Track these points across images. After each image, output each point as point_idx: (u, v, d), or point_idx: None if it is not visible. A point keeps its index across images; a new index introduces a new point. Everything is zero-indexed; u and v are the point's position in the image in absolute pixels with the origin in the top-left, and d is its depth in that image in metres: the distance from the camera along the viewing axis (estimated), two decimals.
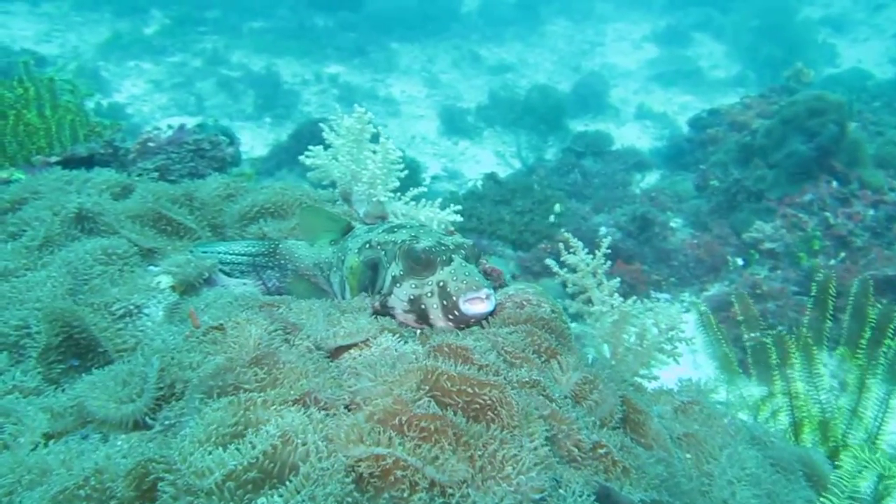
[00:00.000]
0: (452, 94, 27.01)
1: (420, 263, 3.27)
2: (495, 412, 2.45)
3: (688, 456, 2.90)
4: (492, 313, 3.23)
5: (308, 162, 4.96)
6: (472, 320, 3.21)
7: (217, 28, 30.87)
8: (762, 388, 5.05)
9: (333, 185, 5.03)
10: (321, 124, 5.26)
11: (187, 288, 3.71)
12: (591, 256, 4.36)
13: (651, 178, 14.99)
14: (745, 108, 14.14)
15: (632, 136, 21.93)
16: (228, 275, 4.03)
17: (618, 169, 14.83)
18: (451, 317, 3.20)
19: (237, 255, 4.05)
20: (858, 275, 7.54)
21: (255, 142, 21.19)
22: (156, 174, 6.37)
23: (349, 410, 2.57)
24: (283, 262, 4.03)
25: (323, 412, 2.48)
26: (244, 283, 3.94)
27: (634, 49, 32.20)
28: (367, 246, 3.56)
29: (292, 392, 2.55)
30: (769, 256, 9.68)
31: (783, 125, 10.47)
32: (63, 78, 8.00)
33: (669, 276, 9.72)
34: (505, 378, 2.59)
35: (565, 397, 2.73)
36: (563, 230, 10.79)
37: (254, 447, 2.25)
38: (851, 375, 4.67)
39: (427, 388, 2.49)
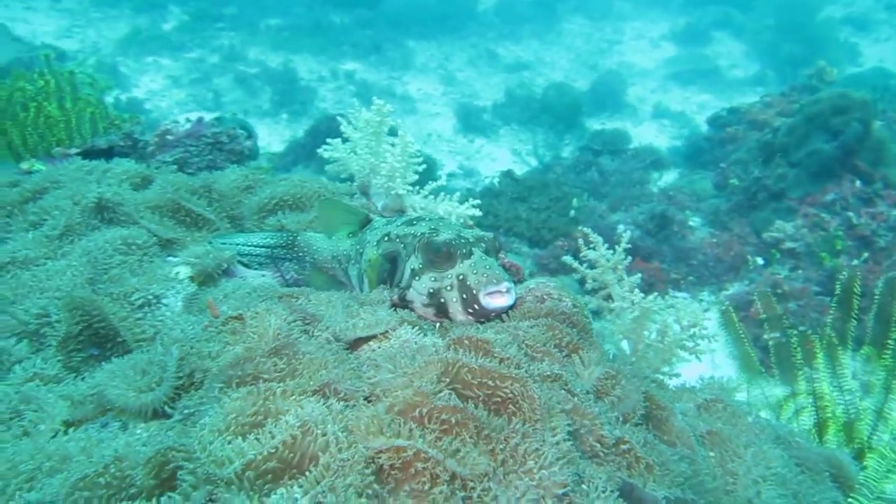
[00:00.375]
0: (469, 92, 26.95)
1: (440, 256, 3.25)
2: (517, 406, 2.42)
3: (711, 454, 2.86)
4: (512, 307, 3.20)
5: (326, 155, 4.95)
6: (493, 314, 3.18)
7: (234, 24, 30.98)
8: (783, 388, 4.98)
9: (352, 178, 5.01)
10: (339, 117, 5.25)
11: (206, 279, 3.71)
12: (611, 252, 4.32)
13: (669, 177, 14.87)
14: (765, 106, 13.99)
15: (649, 135, 21.79)
16: (247, 266, 4.03)
17: (635, 167, 14.73)
18: (470, 310, 3.17)
19: (256, 246, 4.04)
20: (882, 275, 7.43)
21: (271, 138, 21.25)
22: (174, 167, 6.38)
23: (369, 402, 2.55)
24: (301, 254, 4.02)
25: (342, 403, 2.46)
26: (263, 275, 3.94)
27: (653, 48, 31.96)
28: (386, 239, 3.54)
29: (312, 383, 2.53)
30: (790, 256, 9.56)
31: (806, 123, 10.32)
32: (83, 71, 8.04)
33: (688, 275, 9.63)
34: (526, 371, 2.56)
35: (587, 392, 2.70)
36: (580, 227, 10.78)
37: (273, 437, 2.23)
38: (876, 376, 4.59)
39: (448, 380, 2.47)
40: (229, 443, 2.27)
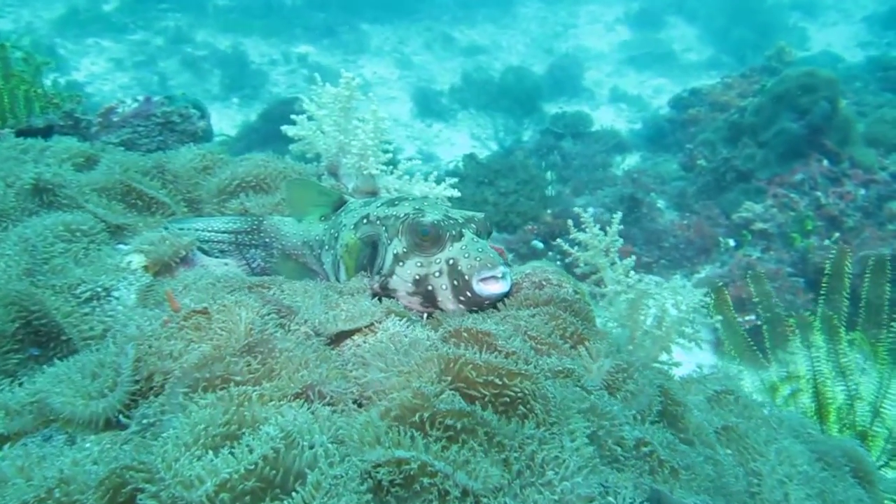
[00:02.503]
0: (425, 76, 26.55)
1: (427, 239, 2.94)
2: (528, 406, 2.14)
3: (728, 451, 2.62)
4: (507, 294, 2.91)
5: (291, 133, 4.58)
6: (486, 302, 2.89)
7: (180, 5, 29.91)
8: (777, 371, 4.82)
9: (318, 158, 4.65)
10: (300, 96, 4.87)
11: (162, 268, 3.33)
12: (602, 233, 4.07)
13: (631, 160, 14.77)
14: (726, 87, 13.99)
15: (607, 118, 21.70)
16: (207, 254, 3.65)
17: (598, 151, 14.58)
18: (462, 298, 2.88)
19: (217, 232, 3.67)
20: (854, 254, 7.39)
21: (222, 122, 20.54)
22: (121, 149, 5.91)
23: (360, 406, 2.23)
24: (268, 240, 3.66)
25: (329, 408, 2.14)
26: (225, 263, 3.57)
27: (607, 31, 31.97)
28: (365, 221, 3.21)
29: (292, 385, 2.21)
30: (761, 237, 9.50)
31: (773, 102, 10.26)
32: (16, 46, 7.45)
33: (660, 259, 9.49)
34: (536, 367, 2.27)
35: (599, 388, 2.43)
36: (548, 211, 10.59)
37: (251, 451, 1.90)
38: (868, 358, 4.46)
39: (449, 378, 2.17)
40: (199, 459, 1.94)
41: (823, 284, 5.04)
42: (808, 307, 7.27)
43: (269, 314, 2.50)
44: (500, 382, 2.16)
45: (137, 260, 3.29)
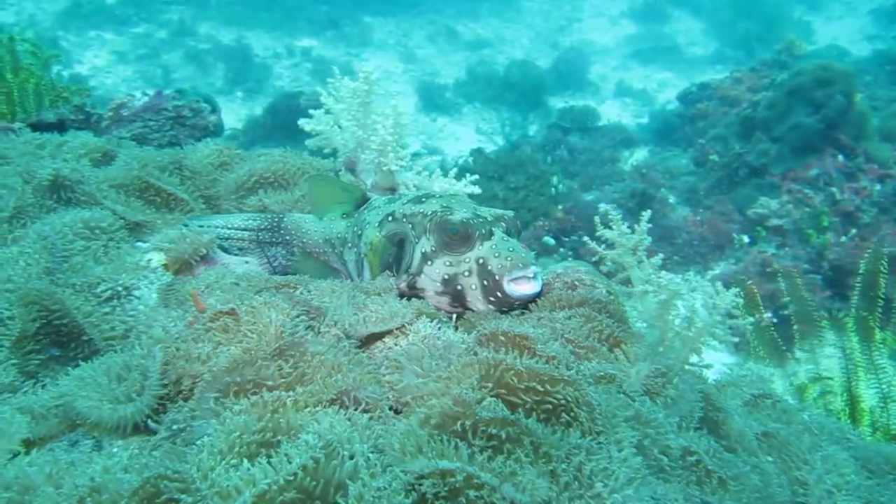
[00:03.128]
0: (429, 70, 26.42)
1: (456, 238, 2.87)
2: (572, 414, 2.07)
3: (769, 458, 2.55)
4: (539, 295, 2.84)
5: (308, 128, 4.50)
6: (517, 303, 2.83)
7: None
8: (805, 370, 4.75)
9: (335, 153, 4.57)
10: (318, 88, 4.79)
11: (182, 266, 3.27)
12: (630, 231, 3.99)
13: (639, 155, 14.67)
14: (735, 82, 13.87)
15: (612, 113, 21.59)
16: (226, 251, 3.58)
17: (605, 145, 14.48)
18: (492, 299, 2.81)
19: (237, 229, 3.60)
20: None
21: (226, 116, 20.32)
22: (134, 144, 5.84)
23: (396, 413, 2.17)
24: (288, 237, 3.59)
25: (366, 415, 2.08)
26: (246, 262, 3.50)
27: (612, 25, 31.80)
28: (391, 219, 3.14)
29: (327, 390, 2.14)
30: (776, 233, 9.40)
31: (788, 96, 10.14)
32: (24, 39, 7.36)
33: (673, 255, 9.40)
34: (577, 373, 2.21)
35: (640, 394, 2.36)
36: (559, 207, 10.51)
37: (290, 461, 1.84)
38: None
39: (490, 385, 2.10)
40: (235, 468, 1.88)
41: (857, 284, 4.95)
42: (825, 305, 7.19)
43: (298, 316, 2.43)
44: (542, 389, 2.09)
45: (157, 258, 3.23)
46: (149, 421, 2.23)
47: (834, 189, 9.48)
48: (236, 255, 3.60)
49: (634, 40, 29.47)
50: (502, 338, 2.35)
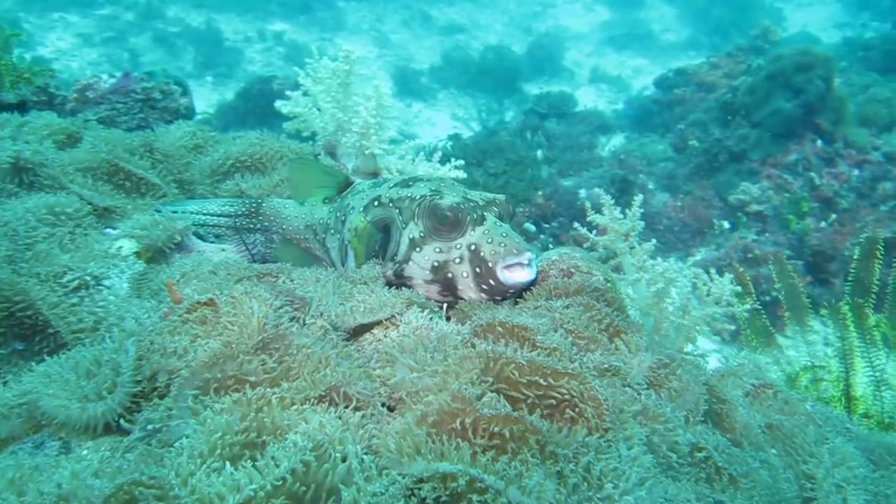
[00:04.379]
0: (404, 55, 26.12)
1: (446, 223, 2.73)
2: (577, 410, 1.95)
3: (773, 452, 2.46)
4: (533, 282, 2.72)
5: (285, 110, 4.32)
6: (511, 291, 2.70)
7: None
8: (783, 358, 4.70)
9: (314, 136, 4.40)
10: (296, 69, 4.61)
11: (155, 254, 3.09)
12: (622, 216, 3.88)
13: (616, 141, 14.60)
14: (712, 67, 13.86)
15: (587, 99, 21.51)
16: (202, 238, 3.41)
17: (582, 131, 14.39)
18: (485, 287, 2.68)
19: (213, 215, 3.42)
20: (850, 237, 7.32)
21: (197, 101, 19.91)
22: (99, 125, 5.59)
23: (390, 410, 2.03)
24: (267, 223, 3.42)
25: (358, 413, 1.94)
26: (223, 249, 3.33)
27: (586, 11, 31.70)
28: (376, 203, 2.99)
29: (315, 386, 1.99)
30: (756, 219, 9.39)
31: (767, 81, 10.12)
32: None
33: (654, 241, 9.29)
34: (581, 365, 2.09)
35: (645, 387, 2.25)
36: (539, 193, 10.40)
37: (278, 464, 1.70)
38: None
39: (490, 379, 1.98)
40: (217, 473, 1.73)
41: (851, 270, 4.90)
42: (807, 291, 7.16)
43: (282, 307, 2.28)
44: (544, 383, 1.97)
45: (128, 245, 3.05)
46: (121, 420, 2.07)
47: (813, 174, 9.49)
48: (212, 242, 3.43)
49: (608, 26, 29.41)
50: (500, 329, 2.22)
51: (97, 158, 3.39)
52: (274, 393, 1.96)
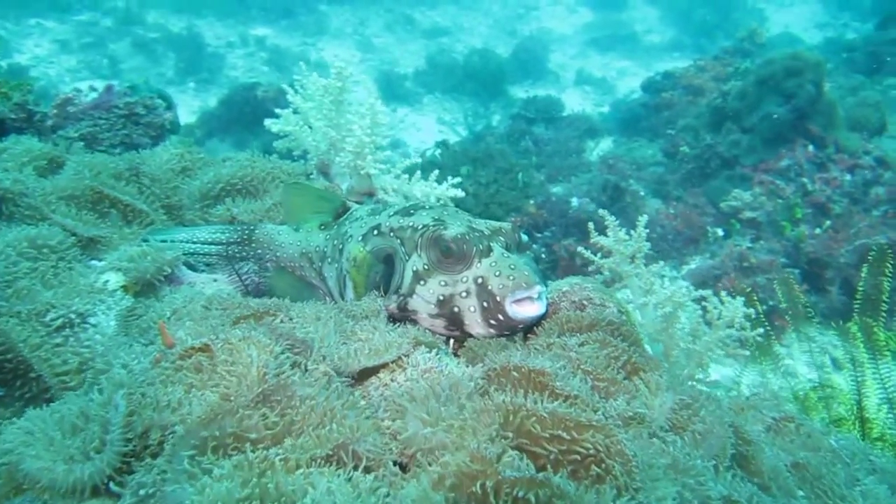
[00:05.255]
0: (388, 59, 25.94)
1: (451, 256, 2.60)
2: (603, 466, 1.82)
3: (801, 494, 2.35)
4: (544, 317, 2.59)
5: (275, 129, 4.16)
6: (520, 326, 2.57)
7: None
8: (792, 378, 4.59)
9: (305, 155, 4.25)
10: (284, 86, 4.46)
11: (144, 287, 2.94)
12: (628, 237, 3.77)
13: (604, 145, 14.52)
14: (699, 70, 13.82)
15: (573, 101, 21.42)
16: (192, 268, 3.25)
17: (570, 136, 14.31)
18: (493, 322, 2.55)
19: (204, 243, 3.27)
20: (844, 244, 7.26)
21: (179, 108, 19.63)
22: (81, 144, 5.40)
23: (402, 468, 1.90)
24: (260, 251, 3.28)
25: (369, 476, 1.80)
26: (215, 279, 3.18)
27: (570, 13, 31.69)
28: (376, 232, 2.86)
29: (321, 444, 1.85)
30: (750, 226, 9.33)
31: (758, 86, 10.07)
32: None
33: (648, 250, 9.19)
34: (604, 415, 1.96)
35: (669, 432, 2.13)
36: (531, 202, 10.29)
37: None
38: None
39: (510, 434, 1.85)
40: None
41: (860, 287, 4.80)
42: (806, 300, 7.09)
43: (283, 352, 2.14)
44: (568, 437, 1.84)
45: (115, 279, 2.89)
46: (111, 483, 1.92)
47: (805, 180, 9.45)
48: (203, 271, 3.28)
49: (592, 28, 29.39)
50: (515, 374, 2.09)
51: (81, 185, 3.22)
52: (277, 454, 1.81)
